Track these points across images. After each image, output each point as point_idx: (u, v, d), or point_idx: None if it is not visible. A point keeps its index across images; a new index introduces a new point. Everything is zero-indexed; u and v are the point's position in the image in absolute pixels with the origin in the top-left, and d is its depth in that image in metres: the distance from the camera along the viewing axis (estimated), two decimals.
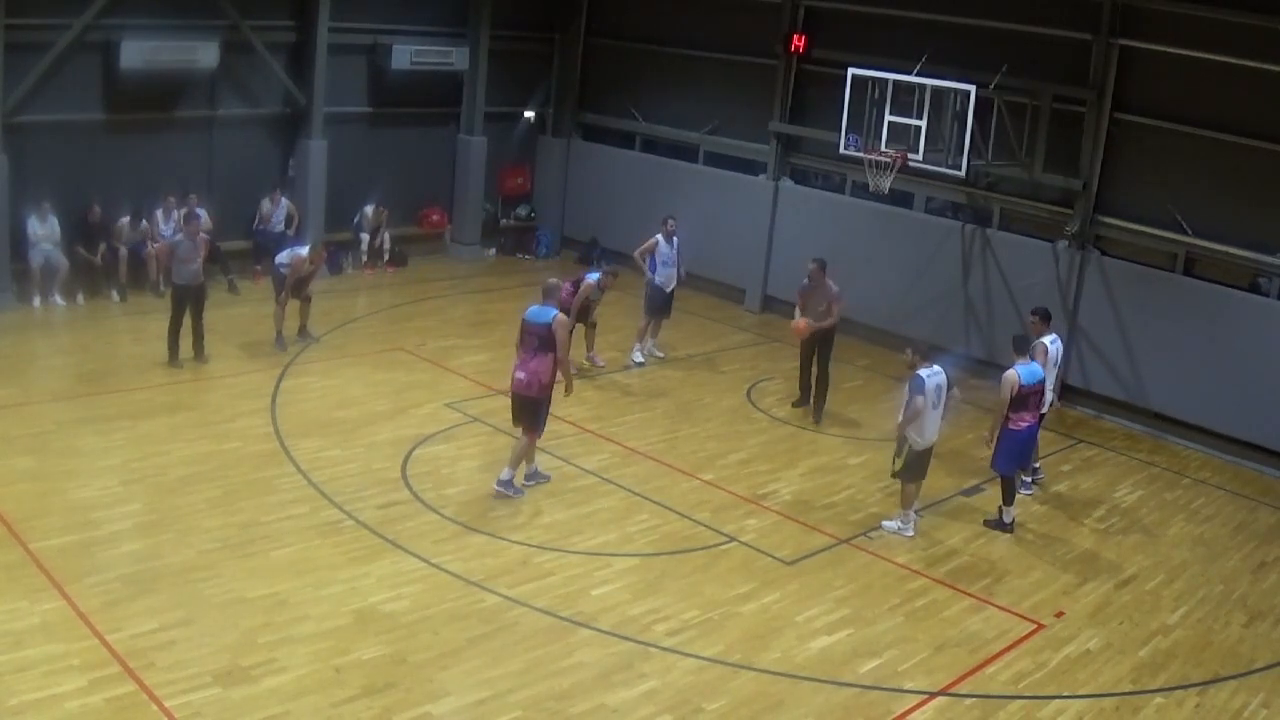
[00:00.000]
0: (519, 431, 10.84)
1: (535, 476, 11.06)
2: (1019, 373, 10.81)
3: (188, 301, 13.24)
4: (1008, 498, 11.08)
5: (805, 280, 13.54)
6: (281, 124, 17.40)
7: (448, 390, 13.38)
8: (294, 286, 14.06)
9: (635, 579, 9.49)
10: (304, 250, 14.11)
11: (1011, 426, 10.87)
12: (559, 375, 10.66)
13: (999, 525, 11.07)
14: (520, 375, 10.57)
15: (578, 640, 8.51)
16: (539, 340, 10.47)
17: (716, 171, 18.68)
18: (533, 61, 20.35)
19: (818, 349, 13.56)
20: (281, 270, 13.99)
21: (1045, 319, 11.79)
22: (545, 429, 10.91)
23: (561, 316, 10.57)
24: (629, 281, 15.94)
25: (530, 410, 10.64)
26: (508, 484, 10.80)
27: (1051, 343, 11.65)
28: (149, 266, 15.75)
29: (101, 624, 7.94)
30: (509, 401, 10.89)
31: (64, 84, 14.95)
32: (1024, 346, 11.11)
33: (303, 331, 14.55)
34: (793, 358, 14.18)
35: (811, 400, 13.70)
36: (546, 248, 20.64)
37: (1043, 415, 11.57)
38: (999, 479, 11.21)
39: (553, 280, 11.26)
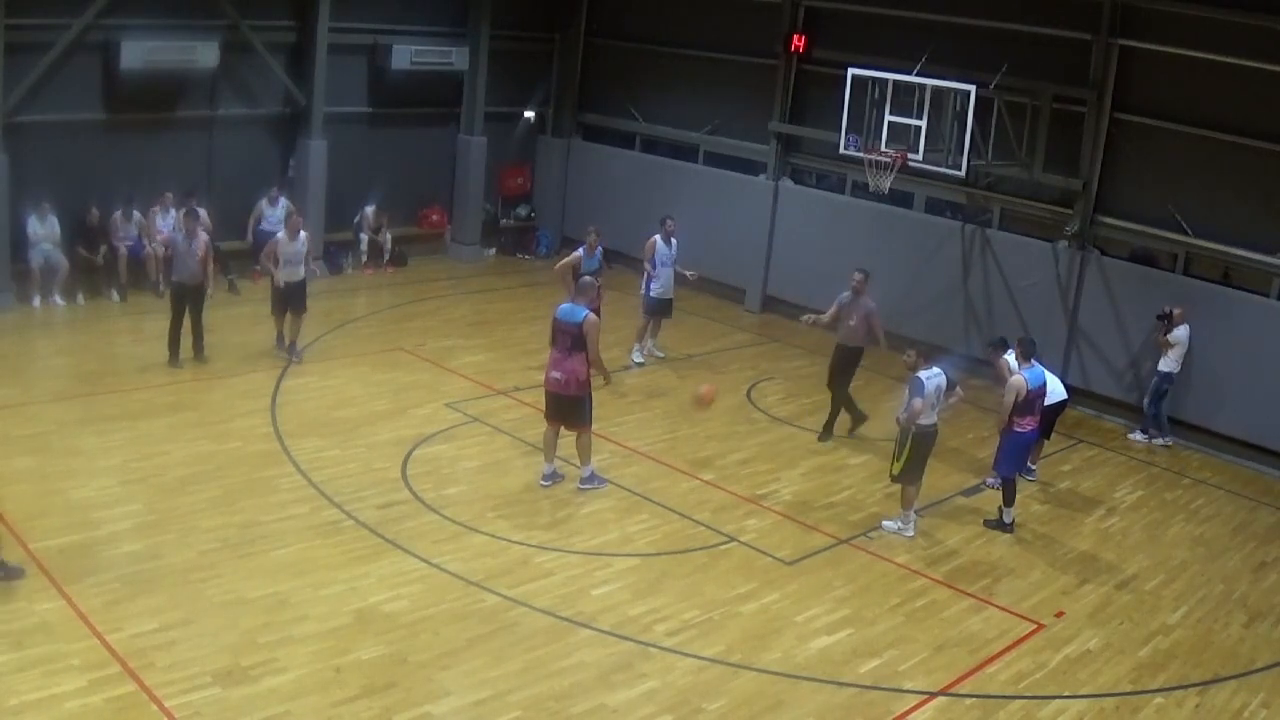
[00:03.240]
0: (548, 429, 10.97)
1: (592, 480, 11.12)
2: (1026, 378, 10.81)
3: (187, 300, 13.23)
4: (1008, 499, 11.07)
5: (847, 293, 12.70)
6: (281, 124, 17.39)
7: (448, 390, 13.37)
8: (291, 297, 13.73)
9: (635, 579, 9.49)
10: (281, 233, 13.99)
11: (1016, 429, 10.88)
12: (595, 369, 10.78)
13: (999, 525, 11.07)
14: (557, 375, 10.64)
15: (578, 640, 8.50)
16: (572, 339, 10.53)
17: (716, 171, 18.66)
18: (533, 61, 20.34)
19: (844, 368, 12.91)
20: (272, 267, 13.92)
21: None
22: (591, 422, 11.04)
23: (592, 316, 10.62)
24: (628, 281, 15.94)
25: (573, 408, 10.77)
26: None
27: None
28: (148, 266, 15.76)
29: (101, 624, 7.94)
30: (544, 399, 10.97)
31: (64, 84, 14.94)
32: (1031, 350, 11.09)
33: (289, 345, 13.90)
34: (794, 357, 14.12)
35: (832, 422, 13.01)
36: (546, 247, 20.62)
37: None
38: (1000, 480, 11.25)
39: (586, 278, 11.34)
